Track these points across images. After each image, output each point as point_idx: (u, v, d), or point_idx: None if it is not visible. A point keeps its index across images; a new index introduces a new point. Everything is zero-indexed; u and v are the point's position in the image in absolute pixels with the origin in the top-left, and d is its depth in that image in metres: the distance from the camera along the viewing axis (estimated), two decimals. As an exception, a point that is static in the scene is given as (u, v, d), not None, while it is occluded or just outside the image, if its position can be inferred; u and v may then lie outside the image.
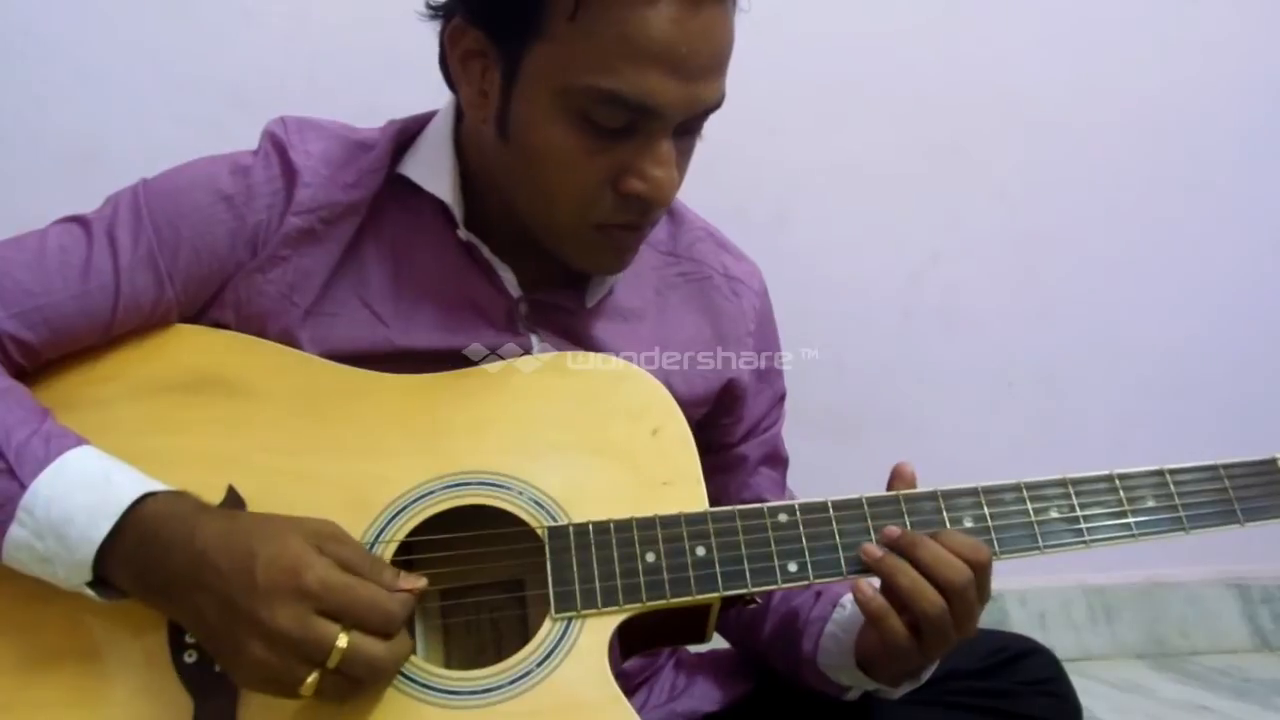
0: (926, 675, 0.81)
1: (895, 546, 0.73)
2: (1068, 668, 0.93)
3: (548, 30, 0.70)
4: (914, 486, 0.77)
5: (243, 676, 0.63)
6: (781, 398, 0.99)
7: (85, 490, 0.66)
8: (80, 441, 0.69)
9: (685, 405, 0.80)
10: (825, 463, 1.34)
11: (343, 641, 0.61)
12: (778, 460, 1.00)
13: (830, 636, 0.84)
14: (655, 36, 0.68)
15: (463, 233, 0.82)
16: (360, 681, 0.64)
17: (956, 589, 0.71)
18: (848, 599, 0.85)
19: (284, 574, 0.62)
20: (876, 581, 0.74)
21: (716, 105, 0.75)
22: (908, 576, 0.72)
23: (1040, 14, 1.66)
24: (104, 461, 0.68)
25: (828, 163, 1.61)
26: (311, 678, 0.61)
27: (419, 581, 0.67)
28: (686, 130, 0.76)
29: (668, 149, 0.74)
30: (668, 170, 0.74)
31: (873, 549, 0.74)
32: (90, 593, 0.67)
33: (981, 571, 0.73)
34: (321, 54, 1.41)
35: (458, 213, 0.81)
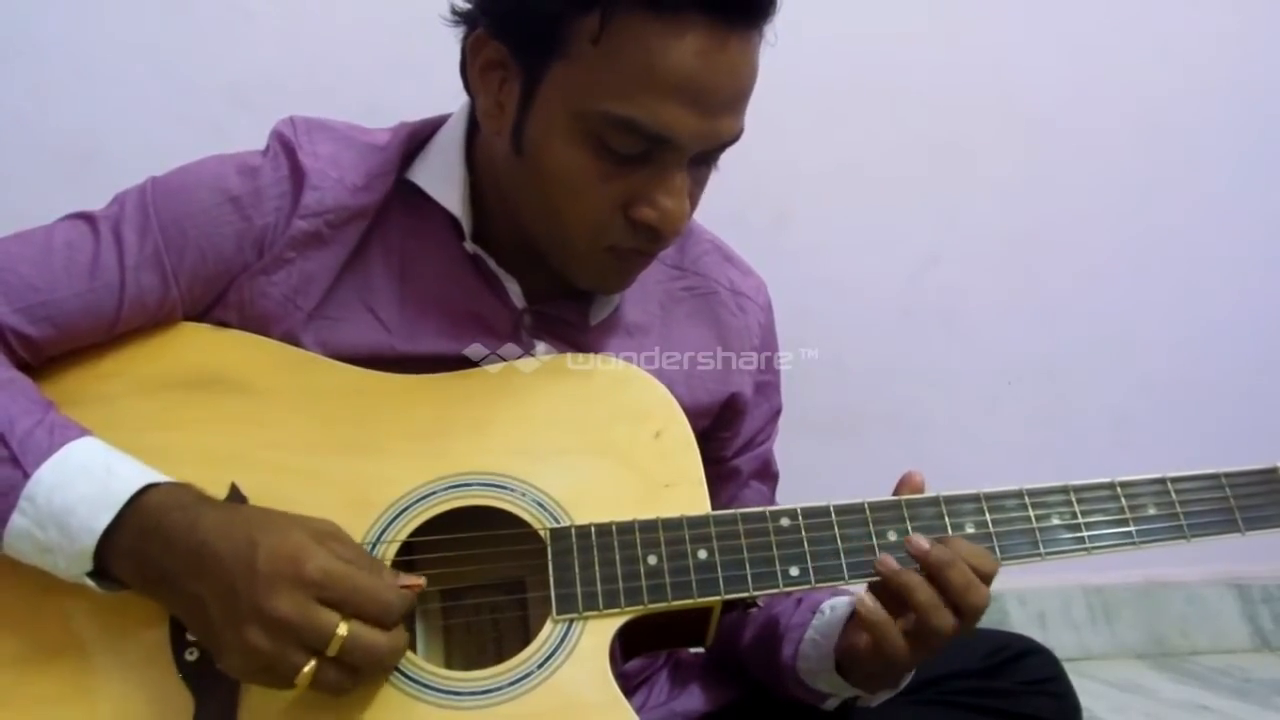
0: (905, 682, 0.81)
1: (924, 562, 0.72)
2: (1068, 667, 0.93)
3: (570, 51, 0.70)
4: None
5: (239, 666, 0.63)
6: (777, 413, 0.99)
7: (87, 480, 0.66)
8: (84, 433, 0.69)
9: (688, 415, 0.80)
10: (825, 462, 1.35)
11: (343, 629, 0.62)
12: (768, 475, 1.00)
13: (810, 643, 0.83)
14: (678, 69, 0.68)
15: (469, 245, 0.82)
16: (358, 671, 0.64)
17: (977, 612, 0.71)
18: (828, 605, 0.85)
19: (285, 562, 0.62)
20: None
21: (734, 139, 0.74)
22: (925, 592, 0.71)
23: (1040, 15, 1.66)
24: (107, 453, 0.68)
25: (828, 163, 1.61)
26: (309, 666, 0.61)
27: (418, 580, 0.67)
28: (702, 161, 0.76)
29: (681, 180, 0.73)
30: (679, 201, 0.74)
31: (890, 561, 0.72)
32: (90, 583, 0.67)
33: (990, 583, 0.73)
34: (321, 54, 1.41)
35: (466, 225, 0.81)
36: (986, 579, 0.72)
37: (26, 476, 0.65)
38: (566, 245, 0.77)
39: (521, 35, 0.72)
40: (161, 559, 0.65)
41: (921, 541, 0.72)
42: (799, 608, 0.87)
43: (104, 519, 0.65)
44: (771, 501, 0.99)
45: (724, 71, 0.70)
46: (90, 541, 0.65)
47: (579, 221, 0.75)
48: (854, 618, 0.79)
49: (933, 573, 0.71)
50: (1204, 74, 1.73)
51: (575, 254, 0.78)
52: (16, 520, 0.65)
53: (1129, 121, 1.72)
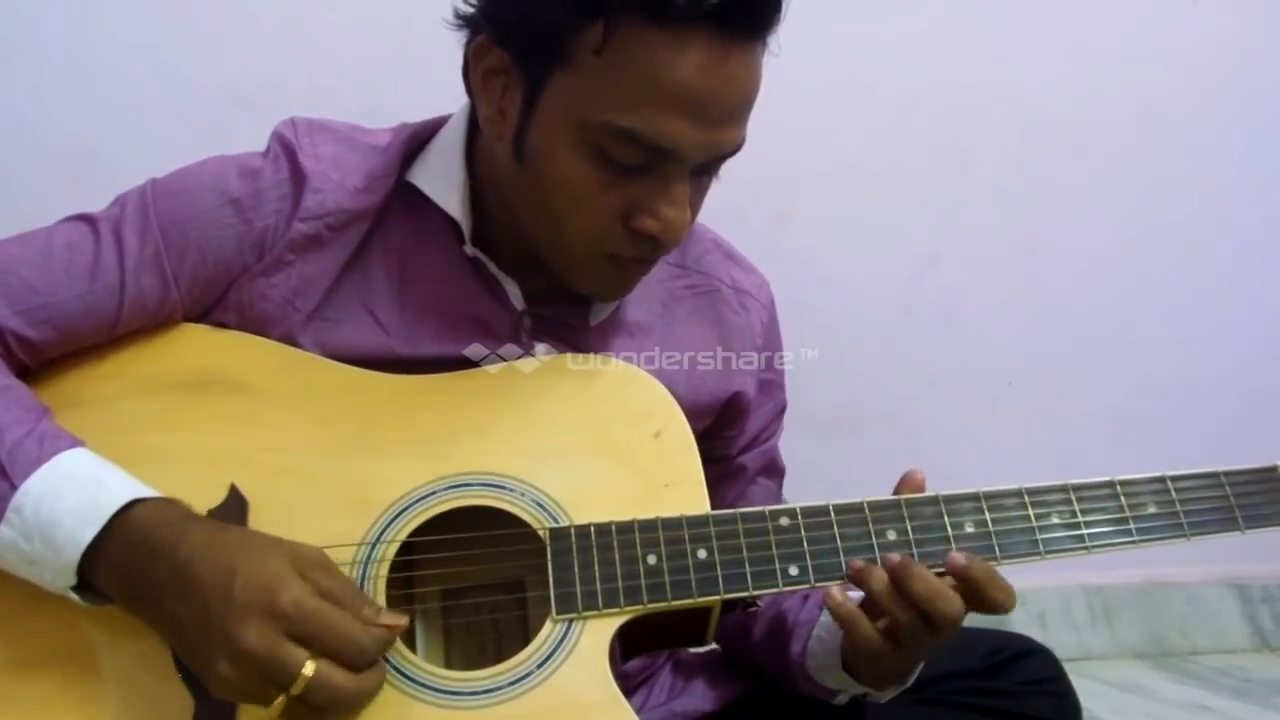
0: (912, 678, 0.81)
1: (894, 573, 0.71)
2: (1068, 668, 0.93)
3: (573, 61, 0.69)
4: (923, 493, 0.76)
5: (215, 690, 0.63)
6: (782, 410, 0.99)
7: (75, 492, 0.66)
8: (75, 443, 0.69)
9: (689, 414, 0.80)
10: (825, 462, 1.35)
11: (309, 669, 0.60)
12: (774, 471, 1.00)
13: (817, 640, 0.83)
14: (680, 81, 0.68)
15: (469, 249, 0.82)
16: (322, 711, 0.63)
17: (947, 618, 0.70)
18: None
19: (260, 592, 0.61)
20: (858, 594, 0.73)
21: (736, 150, 0.74)
22: (881, 583, 0.71)
23: (1041, 15, 1.66)
24: (96, 465, 0.68)
25: (828, 163, 1.61)
26: (278, 700, 0.61)
27: (400, 619, 0.66)
28: (704, 170, 0.76)
29: (682, 190, 0.73)
30: (680, 211, 0.73)
31: (855, 561, 0.73)
32: (75, 597, 0.66)
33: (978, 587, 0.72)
34: (321, 54, 1.40)
35: (465, 228, 0.81)
36: (968, 578, 0.71)
37: (14, 488, 0.65)
38: (566, 252, 0.77)
39: (524, 44, 0.72)
40: (145, 576, 0.64)
41: (893, 555, 0.72)
42: (806, 604, 0.87)
43: (89, 532, 0.64)
44: (779, 496, 1.00)
45: (727, 83, 0.70)
46: (74, 555, 0.64)
47: (579, 230, 0.75)
48: None
49: (899, 584, 0.71)
50: (1204, 74, 1.72)
51: (574, 261, 0.78)
52: (4, 532, 0.65)
53: (1129, 121, 1.71)
